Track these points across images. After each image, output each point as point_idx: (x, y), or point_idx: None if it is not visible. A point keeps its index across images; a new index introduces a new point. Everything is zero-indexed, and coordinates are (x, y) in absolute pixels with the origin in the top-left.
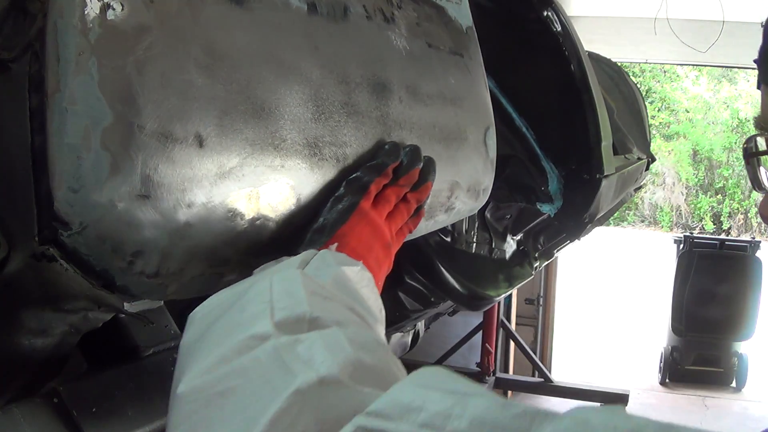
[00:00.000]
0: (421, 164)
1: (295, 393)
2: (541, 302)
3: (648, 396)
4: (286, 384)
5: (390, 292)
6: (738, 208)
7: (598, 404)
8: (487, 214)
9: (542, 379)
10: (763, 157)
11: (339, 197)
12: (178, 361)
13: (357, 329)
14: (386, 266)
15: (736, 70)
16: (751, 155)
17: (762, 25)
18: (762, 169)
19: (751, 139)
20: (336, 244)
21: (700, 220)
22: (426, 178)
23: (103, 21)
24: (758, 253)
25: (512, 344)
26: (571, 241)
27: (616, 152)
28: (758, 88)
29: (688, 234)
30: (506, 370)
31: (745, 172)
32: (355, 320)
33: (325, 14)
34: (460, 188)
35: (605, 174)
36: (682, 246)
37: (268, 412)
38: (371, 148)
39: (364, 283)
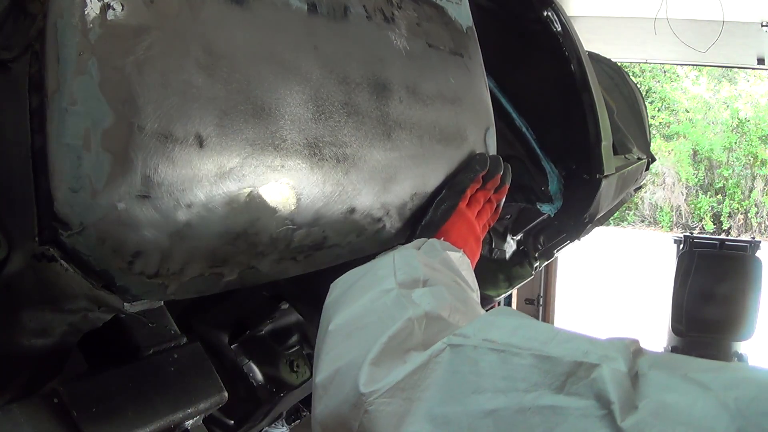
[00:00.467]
0: (502, 170)
1: (408, 320)
2: (541, 302)
3: None
4: (401, 314)
5: None
6: (738, 208)
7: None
8: None
9: None
10: None
11: (442, 199)
12: (323, 315)
13: (458, 289)
14: (477, 254)
15: (736, 70)
16: None
17: (762, 25)
18: None
19: None
20: (442, 238)
21: (700, 220)
22: (504, 182)
23: (103, 21)
24: (758, 253)
25: None
26: (571, 241)
27: (616, 152)
28: None
29: (688, 234)
30: None
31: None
32: (460, 290)
33: (325, 14)
34: None
35: (605, 174)
36: (682, 246)
37: (388, 331)
38: (466, 159)
39: (465, 267)
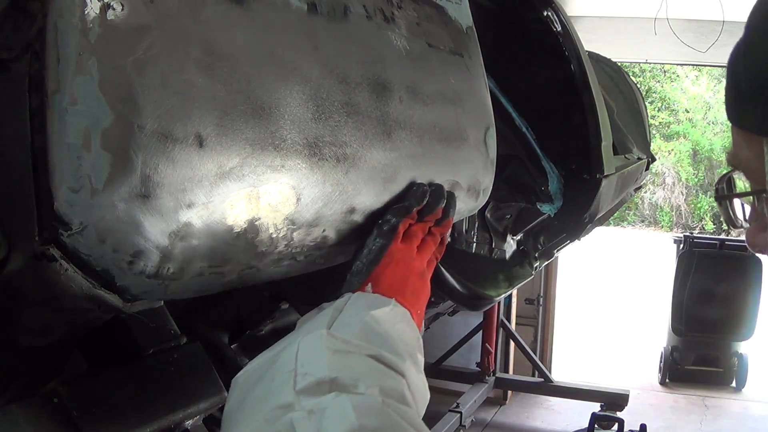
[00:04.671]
0: (444, 202)
1: None
2: (541, 302)
3: (648, 396)
4: None
5: None
6: None
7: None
8: (487, 214)
9: (542, 379)
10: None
11: (371, 240)
12: (222, 427)
13: (369, 394)
14: (424, 292)
15: None
16: (724, 197)
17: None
18: (737, 203)
19: (723, 179)
20: (370, 285)
21: (700, 220)
22: (447, 213)
23: (103, 21)
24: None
25: (512, 344)
26: (571, 241)
27: (616, 152)
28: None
29: (688, 234)
30: (506, 370)
31: None
32: (377, 370)
33: (325, 14)
34: (460, 188)
35: (605, 174)
36: (682, 246)
37: None
38: (401, 191)
39: (398, 319)
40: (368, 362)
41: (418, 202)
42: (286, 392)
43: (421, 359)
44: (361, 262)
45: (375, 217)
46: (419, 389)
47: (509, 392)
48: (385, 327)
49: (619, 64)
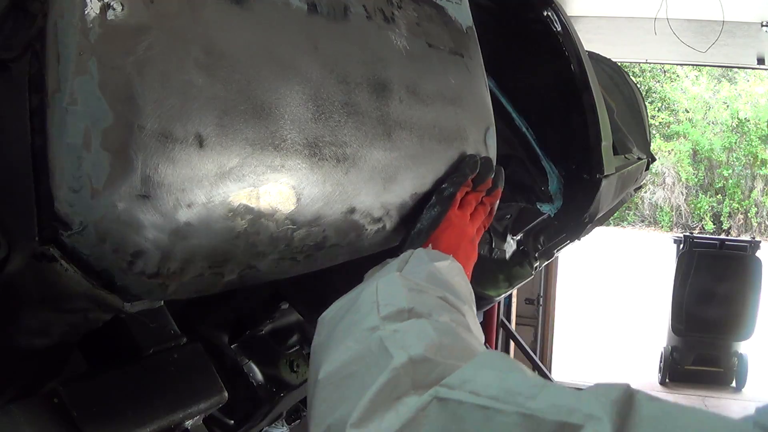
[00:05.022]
0: (494, 173)
1: (393, 369)
2: (541, 302)
3: None
4: (386, 363)
5: None
6: (738, 208)
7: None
8: None
9: None
10: None
11: (431, 206)
12: (312, 357)
13: (442, 320)
14: (473, 257)
15: (736, 70)
16: None
17: (762, 25)
18: None
19: None
20: (430, 245)
21: (700, 220)
22: (497, 185)
23: (103, 21)
24: (758, 253)
25: (512, 344)
26: (571, 241)
27: (616, 152)
28: None
29: (688, 234)
30: None
31: (745, 172)
32: (444, 306)
33: (325, 14)
34: None
35: (605, 174)
36: (682, 246)
37: (376, 384)
38: (455, 161)
39: (455, 273)
40: (437, 300)
41: (472, 171)
42: (371, 318)
43: (474, 309)
44: (423, 225)
45: (375, 217)
46: (478, 330)
47: None
48: (446, 276)
49: (619, 64)
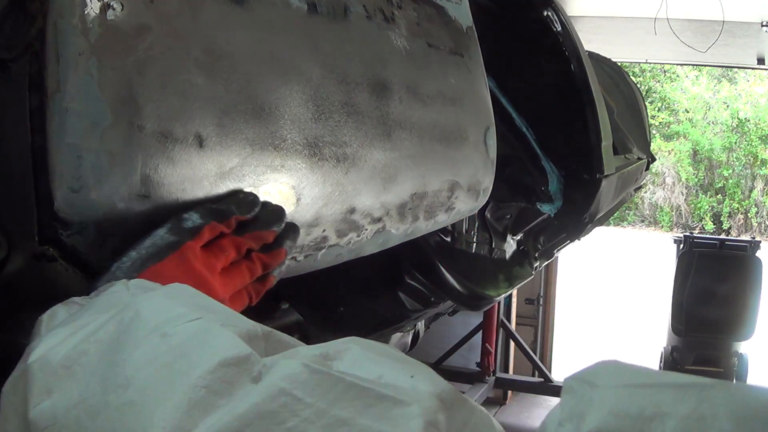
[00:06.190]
0: (280, 228)
1: (427, 428)
2: (541, 302)
3: None
4: (407, 422)
5: (390, 292)
6: (738, 208)
7: None
8: (487, 214)
9: (542, 379)
10: None
11: (162, 229)
12: None
13: None
14: None
15: (736, 70)
16: None
17: (762, 25)
18: None
19: None
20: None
21: (700, 220)
22: (281, 244)
23: (103, 21)
24: (758, 253)
25: (512, 344)
26: (571, 241)
27: (616, 152)
28: None
29: (688, 234)
30: (506, 370)
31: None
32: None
33: (325, 14)
34: (460, 188)
35: (605, 174)
36: (682, 246)
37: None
38: (222, 194)
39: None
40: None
41: (241, 211)
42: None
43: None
44: (141, 253)
45: (375, 217)
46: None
47: (509, 392)
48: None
49: (619, 64)
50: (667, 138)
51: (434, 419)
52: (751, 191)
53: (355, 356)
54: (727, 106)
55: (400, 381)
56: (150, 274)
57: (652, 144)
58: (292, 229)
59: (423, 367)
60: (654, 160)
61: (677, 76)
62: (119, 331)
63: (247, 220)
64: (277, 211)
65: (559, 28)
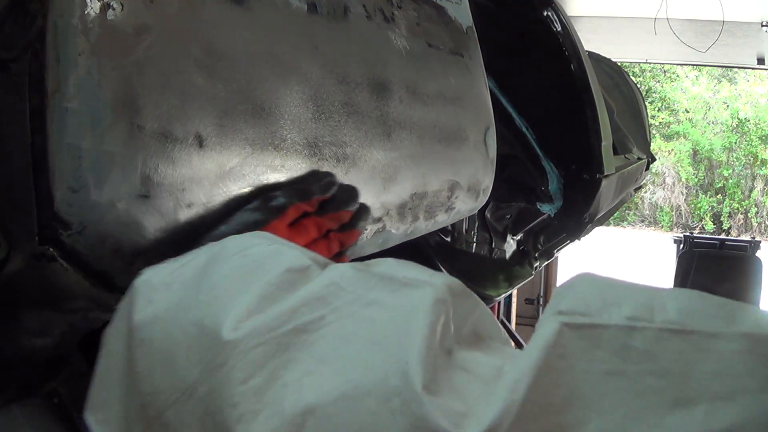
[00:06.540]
0: (354, 208)
1: (436, 302)
2: (541, 302)
3: None
4: (421, 296)
5: None
6: (738, 208)
7: None
8: (487, 214)
9: None
10: None
11: (248, 209)
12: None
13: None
14: None
15: (736, 70)
16: None
17: (762, 25)
18: None
19: None
20: None
21: (700, 220)
22: (356, 224)
23: (103, 21)
24: (758, 253)
25: (512, 344)
26: (571, 241)
27: (616, 152)
28: None
29: (688, 234)
30: None
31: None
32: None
33: (325, 14)
34: (460, 188)
35: (605, 174)
36: (682, 246)
37: (421, 324)
38: (304, 174)
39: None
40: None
41: (321, 191)
42: (295, 256)
43: None
44: (229, 227)
45: (375, 217)
46: None
47: None
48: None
49: (619, 64)
50: (667, 138)
51: (443, 298)
52: (751, 191)
53: (389, 264)
54: (727, 106)
55: (422, 276)
56: None
57: (652, 144)
58: (365, 209)
59: (442, 273)
60: (654, 160)
61: (677, 76)
62: (209, 258)
63: (326, 199)
64: (352, 191)
65: (559, 28)
